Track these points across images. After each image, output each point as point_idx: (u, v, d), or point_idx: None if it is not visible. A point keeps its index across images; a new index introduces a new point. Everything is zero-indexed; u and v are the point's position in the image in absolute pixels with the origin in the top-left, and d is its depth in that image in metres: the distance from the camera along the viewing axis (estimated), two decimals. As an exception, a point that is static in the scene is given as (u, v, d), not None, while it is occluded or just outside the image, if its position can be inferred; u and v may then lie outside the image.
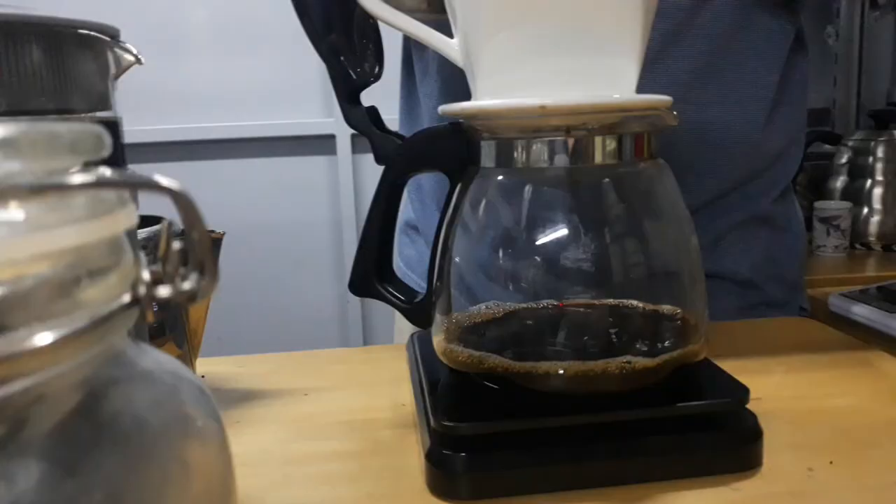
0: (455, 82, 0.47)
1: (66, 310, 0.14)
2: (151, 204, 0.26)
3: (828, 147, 1.54)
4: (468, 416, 0.38)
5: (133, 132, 0.41)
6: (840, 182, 1.45)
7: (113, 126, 0.34)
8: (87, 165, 0.16)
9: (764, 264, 0.69)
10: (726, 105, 0.62)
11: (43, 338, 0.14)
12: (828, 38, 1.77)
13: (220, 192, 1.74)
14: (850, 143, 1.45)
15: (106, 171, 0.15)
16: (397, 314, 0.79)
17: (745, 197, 0.67)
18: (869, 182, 1.42)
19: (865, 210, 1.41)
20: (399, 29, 0.42)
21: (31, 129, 0.14)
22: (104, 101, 0.33)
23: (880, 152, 1.41)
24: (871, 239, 1.40)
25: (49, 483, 0.14)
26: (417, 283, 0.75)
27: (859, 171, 1.43)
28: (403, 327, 0.78)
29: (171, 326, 0.46)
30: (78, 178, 0.14)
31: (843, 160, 1.44)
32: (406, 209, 0.78)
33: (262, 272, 1.80)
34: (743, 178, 0.66)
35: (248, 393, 0.52)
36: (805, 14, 0.66)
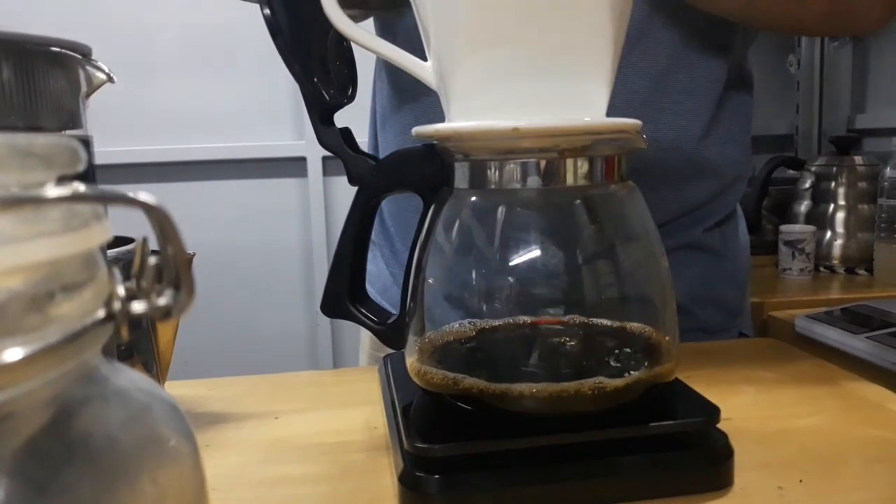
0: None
1: (38, 325, 0.14)
2: (119, 225, 0.26)
3: (791, 172, 1.57)
4: (441, 438, 0.37)
5: (101, 153, 0.41)
6: (804, 206, 1.48)
7: (83, 145, 0.34)
8: (62, 179, 0.15)
9: (699, 290, 0.68)
10: (661, 143, 0.62)
11: (14, 353, 0.13)
12: (790, 66, 1.82)
13: (189, 214, 1.72)
14: (813, 169, 1.48)
15: (81, 186, 0.15)
16: (363, 335, 0.80)
17: (677, 228, 0.66)
18: (832, 206, 1.45)
19: (829, 234, 1.44)
20: (372, 51, 0.42)
21: (5, 141, 0.14)
22: (75, 120, 0.33)
23: (842, 177, 1.44)
24: (835, 262, 1.43)
25: (18, 502, 0.13)
26: (375, 297, 0.75)
27: (822, 196, 1.46)
28: (367, 346, 0.78)
29: (139, 349, 0.45)
30: (54, 192, 0.14)
31: (807, 185, 1.47)
32: None
33: (231, 294, 1.78)
34: (676, 213, 0.66)
35: (217, 416, 0.51)
36: (740, 52, 0.66)
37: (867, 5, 0.57)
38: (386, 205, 0.74)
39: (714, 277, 0.69)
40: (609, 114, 0.39)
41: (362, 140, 0.44)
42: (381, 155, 0.45)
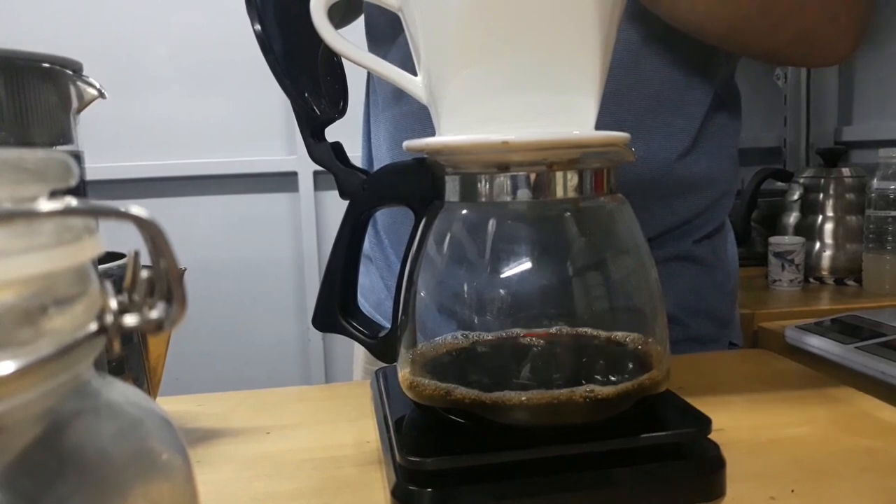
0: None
1: (30, 338, 0.14)
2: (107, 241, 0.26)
3: (780, 184, 1.59)
4: (434, 452, 0.37)
5: (92, 168, 0.41)
6: (793, 218, 1.49)
7: (74, 160, 0.34)
8: (54, 194, 0.15)
9: (689, 301, 0.69)
10: (653, 162, 0.64)
11: (6, 366, 0.13)
12: (777, 79, 1.83)
13: (181, 229, 1.71)
14: (802, 181, 1.49)
15: (73, 200, 0.15)
16: (357, 350, 0.79)
17: (667, 240, 0.68)
18: (820, 218, 1.46)
19: (818, 245, 1.45)
20: (362, 66, 0.43)
21: (-2, 156, 0.14)
22: (66, 135, 0.33)
23: (830, 189, 1.45)
24: (825, 273, 1.44)
25: (10, 516, 0.13)
26: (369, 312, 0.75)
27: (811, 208, 1.47)
28: (361, 361, 0.78)
29: (130, 364, 0.45)
30: (46, 206, 0.14)
31: (795, 196, 1.48)
32: None
33: (223, 310, 1.77)
34: (666, 227, 0.67)
35: (208, 432, 0.51)
36: (724, 75, 0.68)
37: (834, 33, 0.58)
38: (381, 217, 0.74)
39: (704, 288, 0.70)
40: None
41: (353, 154, 0.44)
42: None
